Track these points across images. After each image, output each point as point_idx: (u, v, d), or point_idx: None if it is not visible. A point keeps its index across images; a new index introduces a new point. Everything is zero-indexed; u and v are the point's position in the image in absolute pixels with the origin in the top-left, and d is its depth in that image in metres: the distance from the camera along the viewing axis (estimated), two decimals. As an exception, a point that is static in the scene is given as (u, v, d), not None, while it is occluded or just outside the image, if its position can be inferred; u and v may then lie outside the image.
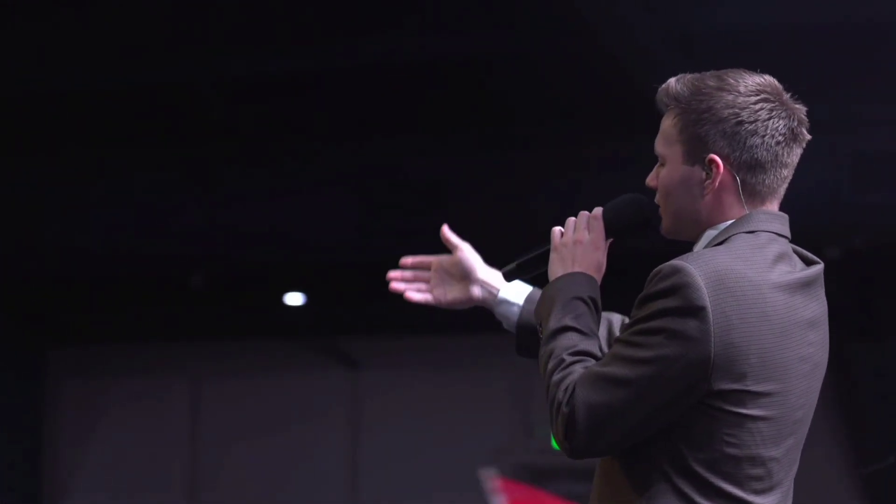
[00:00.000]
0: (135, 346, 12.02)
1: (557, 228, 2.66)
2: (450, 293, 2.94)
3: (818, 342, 2.51)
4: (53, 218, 8.90)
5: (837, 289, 9.50)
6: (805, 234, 8.39)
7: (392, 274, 2.96)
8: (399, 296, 2.97)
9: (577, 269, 2.59)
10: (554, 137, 8.05)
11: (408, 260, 2.98)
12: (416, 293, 2.95)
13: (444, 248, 2.98)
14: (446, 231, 2.96)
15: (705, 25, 6.72)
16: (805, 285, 2.48)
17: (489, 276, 2.91)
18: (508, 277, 2.82)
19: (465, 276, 2.92)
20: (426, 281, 2.97)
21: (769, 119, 2.49)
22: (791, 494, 2.53)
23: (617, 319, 2.84)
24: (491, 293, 2.90)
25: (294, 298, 10.75)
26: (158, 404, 12.32)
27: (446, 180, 8.28)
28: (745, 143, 2.48)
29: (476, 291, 2.91)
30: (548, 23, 6.88)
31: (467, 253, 2.93)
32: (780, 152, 2.50)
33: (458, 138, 8.28)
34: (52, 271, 9.72)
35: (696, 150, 2.51)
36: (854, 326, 9.56)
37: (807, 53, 6.88)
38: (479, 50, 7.26)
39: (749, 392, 2.39)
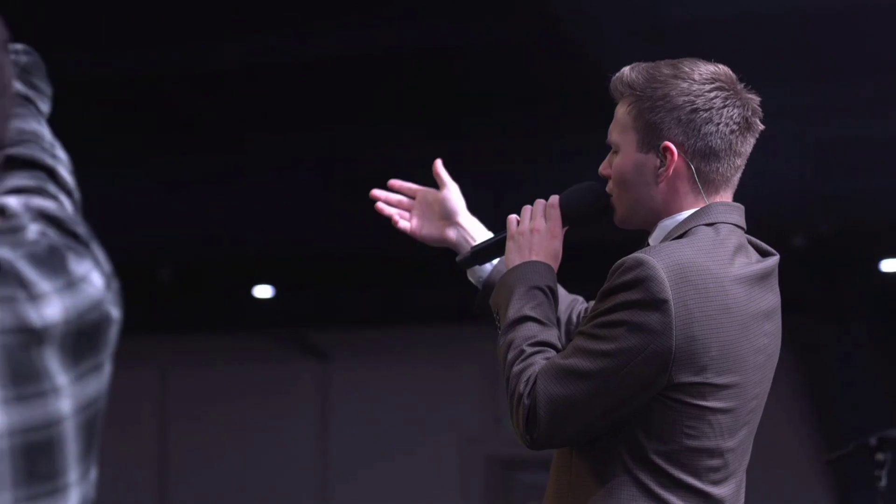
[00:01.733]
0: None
1: (514, 216, 2.65)
2: (426, 228, 2.90)
3: (772, 333, 2.51)
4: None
5: (804, 275, 9.59)
6: (772, 222, 8.39)
7: (377, 192, 2.92)
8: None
9: (534, 258, 2.58)
10: (517, 127, 8.07)
11: (395, 182, 2.94)
12: (402, 220, 2.90)
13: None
14: (439, 166, 2.91)
15: (671, 16, 6.73)
16: (762, 277, 2.48)
17: (469, 223, 2.89)
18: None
19: (447, 216, 2.89)
20: (408, 209, 2.93)
21: (724, 107, 2.49)
22: (744, 483, 2.53)
23: (580, 304, 2.83)
24: (466, 240, 2.87)
25: (263, 291, 10.75)
26: (126, 397, 12.28)
27: (410, 169, 8.28)
28: (699, 130, 2.48)
29: (452, 234, 2.88)
30: (511, 13, 6.88)
31: (453, 193, 2.90)
32: (734, 141, 2.50)
33: (421, 127, 8.28)
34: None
35: (650, 138, 2.50)
36: (821, 312, 9.62)
37: (772, 42, 6.91)
38: (441, 40, 7.26)
39: (709, 385, 2.39)
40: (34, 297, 1.42)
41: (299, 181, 8.62)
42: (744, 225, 2.52)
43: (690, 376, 2.37)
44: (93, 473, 1.48)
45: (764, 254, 2.53)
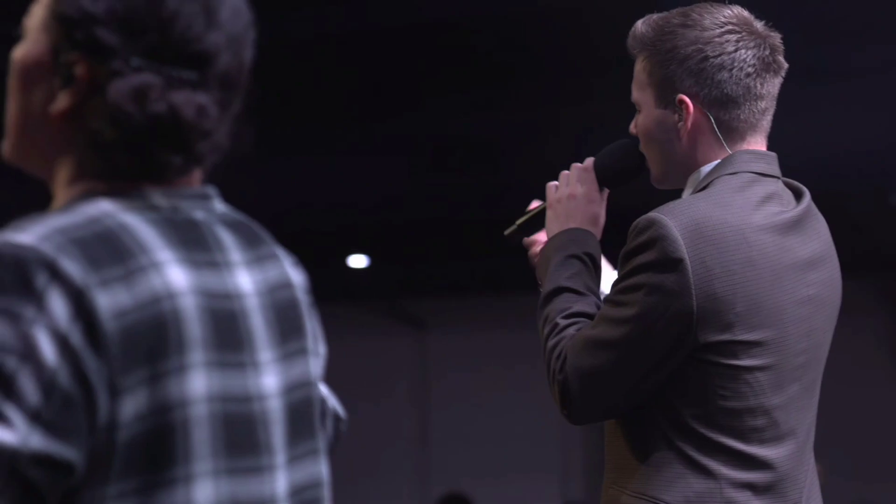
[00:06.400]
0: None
1: (552, 183, 2.60)
2: None
3: (820, 281, 2.40)
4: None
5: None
6: (869, 179, 8.18)
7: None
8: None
9: (572, 225, 2.54)
10: (606, 91, 7.97)
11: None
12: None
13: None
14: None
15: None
16: (796, 224, 2.39)
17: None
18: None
19: None
20: None
21: (735, 51, 2.40)
22: (811, 441, 2.43)
23: None
24: None
25: (357, 261, 10.74)
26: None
27: (499, 137, 8.27)
28: (712, 78, 2.40)
29: None
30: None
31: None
32: (752, 84, 2.41)
33: (509, 95, 8.23)
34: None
35: (665, 93, 2.44)
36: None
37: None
38: (523, 8, 7.22)
39: (739, 342, 2.30)
40: None
41: (389, 150, 8.64)
42: (774, 172, 2.43)
43: (717, 335, 2.29)
44: None
45: (798, 195, 2.44)
